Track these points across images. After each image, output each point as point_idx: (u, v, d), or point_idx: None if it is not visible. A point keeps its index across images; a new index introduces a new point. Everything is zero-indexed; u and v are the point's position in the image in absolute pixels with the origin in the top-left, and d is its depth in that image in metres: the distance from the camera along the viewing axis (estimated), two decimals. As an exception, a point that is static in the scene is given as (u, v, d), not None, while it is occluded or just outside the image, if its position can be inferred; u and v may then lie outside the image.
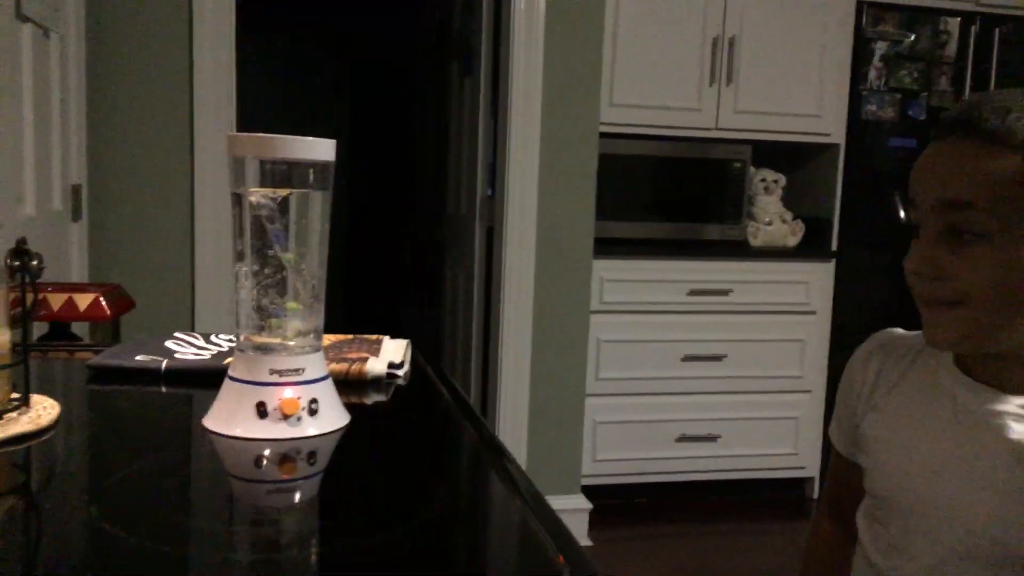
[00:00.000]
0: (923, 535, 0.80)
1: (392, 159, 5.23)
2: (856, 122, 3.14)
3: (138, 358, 0.98)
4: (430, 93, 4.33)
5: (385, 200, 5.26)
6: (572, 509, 2.85)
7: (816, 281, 3.14)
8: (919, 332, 0.82)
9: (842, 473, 0.96)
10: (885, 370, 0.87)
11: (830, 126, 3.14)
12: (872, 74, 3.12)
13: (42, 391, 0.83)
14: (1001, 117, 0.71)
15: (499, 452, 0.78)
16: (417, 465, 0.77)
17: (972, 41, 3.17)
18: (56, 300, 1.25)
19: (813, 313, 3.16)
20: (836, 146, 3.17)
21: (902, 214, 3.17)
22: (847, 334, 3.17)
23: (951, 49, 3.17)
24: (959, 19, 3.16)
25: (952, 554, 0.77)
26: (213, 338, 1.10)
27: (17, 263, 0.72)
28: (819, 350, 3.18)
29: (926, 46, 3.14)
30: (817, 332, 3.17)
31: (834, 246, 3.19)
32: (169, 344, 1.05)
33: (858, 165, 3.17)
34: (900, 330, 0.92)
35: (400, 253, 5.20)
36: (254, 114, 2.82)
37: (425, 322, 4.33)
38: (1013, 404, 0.76)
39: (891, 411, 0.85)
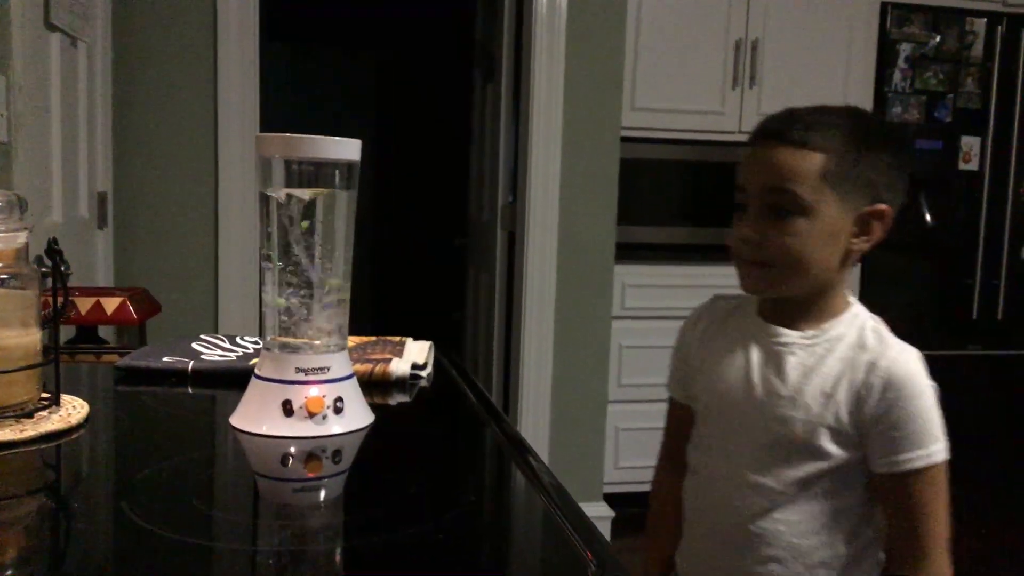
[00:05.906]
0: (735, 433, 1.08)
1: (419, 164, 5.25)
2: (881, 125, 3.12)
3: (165, 359, 0.99)
4: (453, 99, 4.33)
5: (412, 204, 5.29)
6: (594, 517, 2.76)
7: (841, 285, 3.11)
8: (737, 295, 1.13)
9: (681, 421, 1.21)
10: (709, 326, 1.17)
11: (854, 129, 3.11)
12: (897, 76, 3.09)
13: (71, 392, 0.83)
14: (805, 130, 0.99)
15: (524, 450, 0.78)
16: (442, 463, 0.77)
17: (999, 42, 3.14)
18: (84, 304, 1.27)
19: (838, 317, 3.13)
20: (860, 149, 3.14)
21: (928, 217, 3.14)
22: (873, 339, 3.13)
23: (977, 50, 3.13)
24: (985, 20, 3.13)
25: (755, 444, 1.05)
26: (238, 340, 1.11)
27: (48, 264, 0.73)
28: (844, 355, 3.14)
29: (952, 47, 3.11)
30: (842, 337, 3.13)
31: (859, 249, 3.15)
32: (195, 346, 1.06)
33: (883, 168, 3.13)
34: (720, 295, 1.21)
35: (426, 257, 5.22)
36: (279, 122, 2.84)
37: (448, 325, 4.33)
38: (795, 336, 1.05)
39: (716, 349, 1.14)
